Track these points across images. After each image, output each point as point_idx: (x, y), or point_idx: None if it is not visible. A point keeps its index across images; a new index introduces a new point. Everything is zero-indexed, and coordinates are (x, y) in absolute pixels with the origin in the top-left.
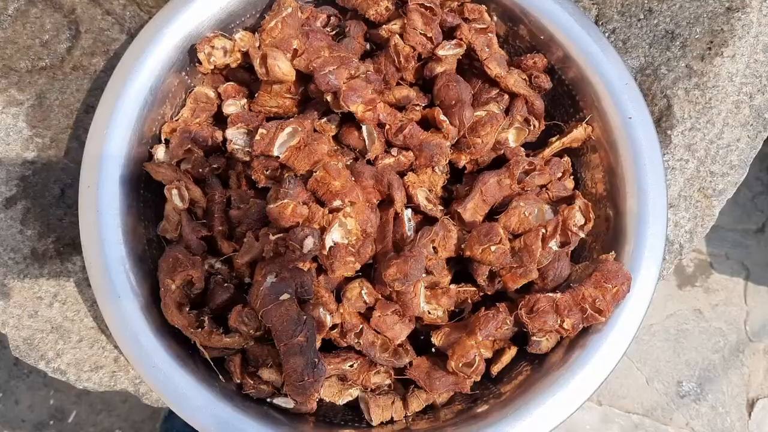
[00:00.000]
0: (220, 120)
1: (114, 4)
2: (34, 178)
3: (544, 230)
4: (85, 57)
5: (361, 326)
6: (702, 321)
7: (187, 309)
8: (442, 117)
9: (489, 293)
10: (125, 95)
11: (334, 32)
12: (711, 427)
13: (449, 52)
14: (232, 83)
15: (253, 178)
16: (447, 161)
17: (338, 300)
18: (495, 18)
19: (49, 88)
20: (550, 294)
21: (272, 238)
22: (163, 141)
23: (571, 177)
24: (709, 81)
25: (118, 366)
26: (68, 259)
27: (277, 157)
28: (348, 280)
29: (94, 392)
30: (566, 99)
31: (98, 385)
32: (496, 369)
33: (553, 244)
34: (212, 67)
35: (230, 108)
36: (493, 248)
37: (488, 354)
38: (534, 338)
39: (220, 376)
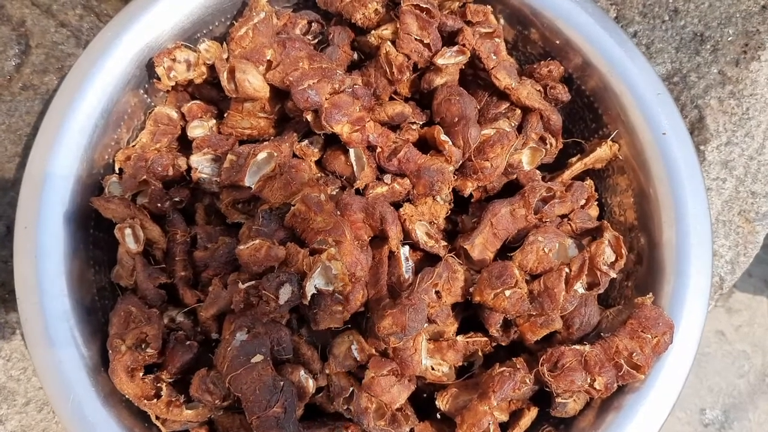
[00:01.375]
0: (185, 145)
1: (69, 14)
2: None
3: (567, 270)
4: (36, 75)
5: (351, 389)
6: (725, 344)
7: (141, 374)
8: (444, 137)
9: (503, 344)
10: (71, 118)
11: (315, 41)
12: None
13: (450, 60)
14: (197, 102)
15: (222, 212)
16: (450, 189)
17: (323, 358)
18: (502, 21)
19: None
20: (577, 347)
21: (242, 286)
22: (117, 171)
23: (596, 203)
24: (745, 89)
25: None
26: (14, 308)
27: (250, 187)
28: (335, 332)
29: None
30: (587, 112)
31: None
32: None
33: (579, 287)
34: (173, 83)
35: (196, 130)
36: (507, 293)
37: (503, 417)
38: (559, 399)
39: None
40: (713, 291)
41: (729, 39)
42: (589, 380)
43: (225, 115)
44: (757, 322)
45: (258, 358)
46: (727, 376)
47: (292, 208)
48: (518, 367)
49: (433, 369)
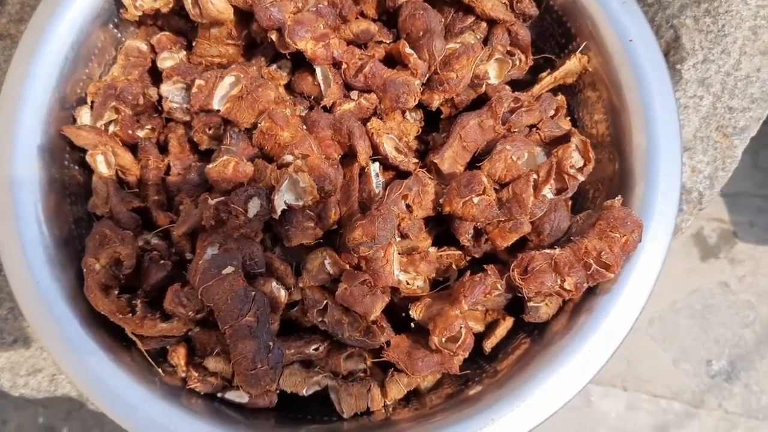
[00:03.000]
0: (157, 78)
1: None
2: None
3: (535, 176)
4: (12, 24)
5: (325, 302)
6: (729, 294)
7: (116, 292)
8: (409, 50)
9: (476, 256)
10: (41, 53)
11: None
12: (746, 408)
13: None
14: (166, 33)
15: (195, 140)
16: (417, 102)
17: (298, 273)
18: None
19: None
20: (547, 250)
21: (212, 202)
22: (89, 103)
23: (567, 118)
24: (720, 6)
25: (59, 368)
26: None
27: (218, 110)
28: (308, 249)
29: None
30: (557, 28)
31: (36, 392)
32: (489, 344)
33: (548, 191)
34: (140, 13)
35: (166, 62)
36: (475, 200)
37: (479, 327)
38: (531, 304)
39: (160, 370)
40: (692, 206)
41: None
42: (559, 281)
43: (194, 45)
44: (761, 272)
45: (229, 269)
46: (732, 327)
47: (259, 125)
48: (489, 273)
49: (407, 283)
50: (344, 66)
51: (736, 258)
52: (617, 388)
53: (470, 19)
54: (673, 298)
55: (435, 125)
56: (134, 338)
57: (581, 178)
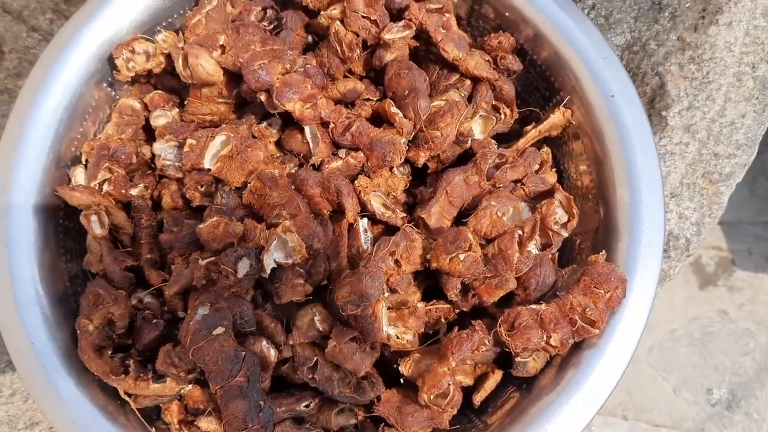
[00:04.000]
0: (151, 135)
1: (40, 19)
2: None
3: (520, 232)
4: (10, 79)
5: (315, 359)
6: (728, 322)
7: (110, 353)
8: (394, 109)
9: (465, 310)
10: (36, 114)
11: (271, 26)
12: None
13: (397, 35)
14: (159, 92)
15: (187, 197)
16: (403, 160)
17: (288, 330)
18: None
19: None
20: (533, 306)
21: (202, 263)
22: (84, 162)
23: (553, 170)
24: (704, 53)
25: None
26: None
27: (209, 169)
28: (299, 306)
29: None
30: (541, 82)
31: None
32: (478, 398)
33: (533, 247)
34: (133, 74)
35: (159, 119)
36: (462, 257)
37: (468, 381)
38: (519, 359)
39: (153, 429)
40: (680, 253)
41: (687, 5)
42: (545, 337)
43: (186, 103)
44: (760, 299)
45: (219, 330)
46: (732, 355)
47: (249, 185)
48: (477, 329)
49: (396, 337)
50: (332, 125)
51: (735, 286)
52: (618, 417)
53: (455, 77)
54: (672, 326)
55: (423, 177)
56: (127, 399)
57: (565, 234)
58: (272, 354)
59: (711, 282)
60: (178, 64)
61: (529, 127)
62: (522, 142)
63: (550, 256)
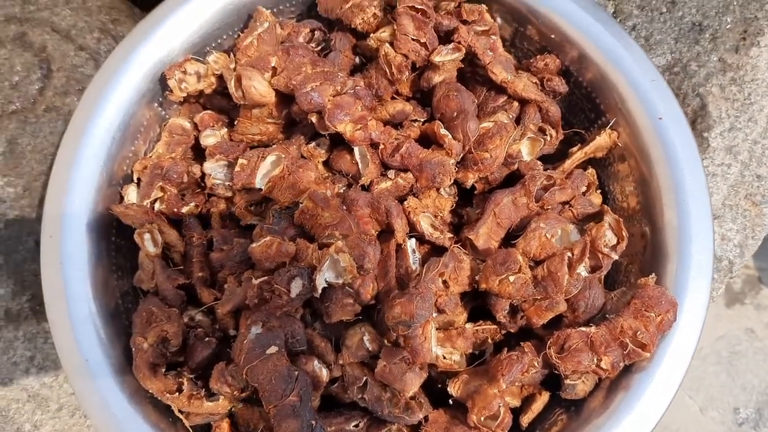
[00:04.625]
0: (199, 153)
1: (87, 38)
2: (5, 232)
3: (570, 254)
4: (58, 97)
5: (364, 378)
6: (755, 341)
7: (163, 370)
8: (443, 131)
9: (512, 331)
10: (90, 134)
11: (319, 47)
12: None
13: (446, 57)
14: (209, 112)
15: (236, 215)
16: (452, 181)
17: (337, 349)
18: (498, 20)
19: (21, 133)
20: (583, 328)
21: (256, 282)
22: (135, 180)
23: (598, 191)
24: (746, 74)
25: None
26: (45, 318)
27: (260, 189)
28: (347, 325)
29: None
30: (585, 103)
31: None
32: (526, 420)
33: (582, 270)
34: (185, 94)
35: (208, 139)
36: (512, 278)
37: (515, 402)
38: (568, 381)
39: None
40: (723, 275)
41: (727, 27)
42: (595, 360)
43: (235, 123)
44: None
45: (273, 349)
46: (759, 374)
47: (300, 205)
48: (526, 350)
49: (444, 357)
50: (381, 146)
51: (762, 304)
52: None
53: (502, 99)
54: (699, 344)
55: (468, 197)
56: (180, 416)
57: (615, 256)
58: (324, 374)
59: (738, 300)
60: (231, 86)
61: (575, 149)
62: (568, 164)
63: (598, 278)
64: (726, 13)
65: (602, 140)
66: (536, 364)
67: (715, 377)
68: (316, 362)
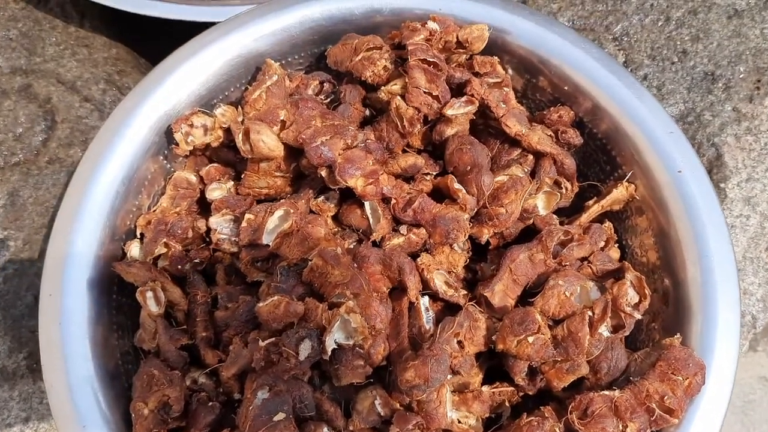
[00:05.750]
0: (205, 207)
1: (93, 89)
2: (4, 286)
3: (590, 313)
4: (61, 149)
5: None
6: None
7: None
8: (457, 185)
9: (530, 393)
10: (93, 187)
11: (328, 100)
12: None
13: (459, 110)
14: (215, 165)
15: (242, 271)
16: (467, 237)
17: (347, 414)
18: (510, 71)
19: (23, 185)
20: (607, 392)
21: (263, 344)
22: (138, 236)
23: (616, 245)
24: (761, 124)
25: None
26: (41, 377)
27: (267, 245)
28: (358, 388)
29: None
30: (601, 155)
31: None
32: None
33: (604, 330)
34: (191, 148)
35: (214, 192)
36: (530, 339)
37: None
38: None
39: None
40: (746, 330)
41: (741, 76)
42: (620, 427)
43: (242, 176)
44: None
45: (280, 416)
46: None
47: (310, 262)
48: (547, 416)
49: (459, 422)
50: (393, 201)
51: None
52: None
53: (516, 152)
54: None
55: (482, 251)
56: None
57: (638, 316)
58: None
59: (751, 347)
60: (239, 140)
61: (591, 202)
62: (584, 218)
63: (620, 338)
64: (738, 63)
65: (619, 193)
66: (557, 430)
67: (728, 428)
68: (325, 429)
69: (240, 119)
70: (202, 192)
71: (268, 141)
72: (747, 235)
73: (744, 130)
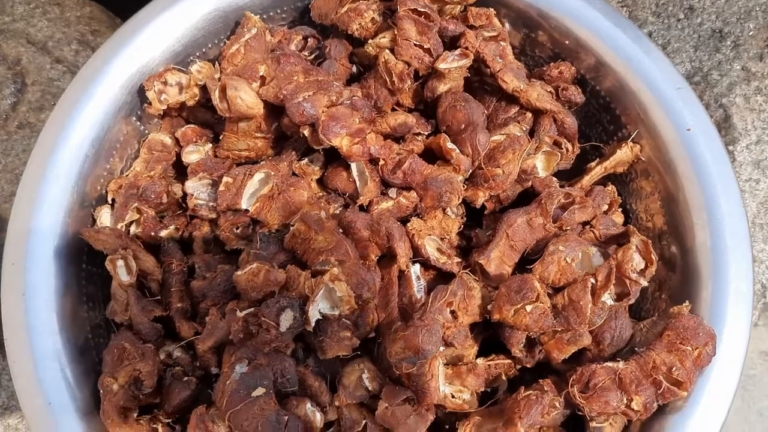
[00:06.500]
0: (181, 172)
1: (65, 50)
2: None
3: (593, 280)
4: (32, 113)
5: (364, 422)
6: None
7: (135, 414)
8: (451, 145)
9: (528, 366)
10: (60, 150)
11: (312, 56)
12: None
13: (453, 64)
14: (192, 126)
15: (221, 239)
16: (460, 200)
17: (333, 389)
18: (507, 25)
19: None
20: (610, 364)
21: (241, 314)
22: (110, 202)
23: (620, 210)
24: None
25: None
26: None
27: (247, 210)
28: (344, 361)
29: None
30: (603, 114)
31: None
32: None
33: (607, 298)
34: (165, 107)
35: (191, 156)
36: (528, 308)
37: None
38: (594, 424)
39: None
40: (755, 300)
41: (750, 33)
42: (625, 400)
43: (220, 138)
44: None
45: (259, 391)
46: None
47: (292, 228)
48: (546, 389)
49: (453, 397)
50: (382, 162)
51: None
52: None
53: (514, 110)
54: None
55: (477, 218)
56: None
57: (644, 282)
58: (318, 418)
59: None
60: (215, 97)
61: (593, 164)
62: (586, 180)
63: (625, 307)
64: (748, 19)
65: (623, 154)
66: (558, 404)
67: None
68: (308, 405)
69: (217, 76)
70: (178, 155)
71: (247, 98)
72: (757, 200)
73: (753, 90)
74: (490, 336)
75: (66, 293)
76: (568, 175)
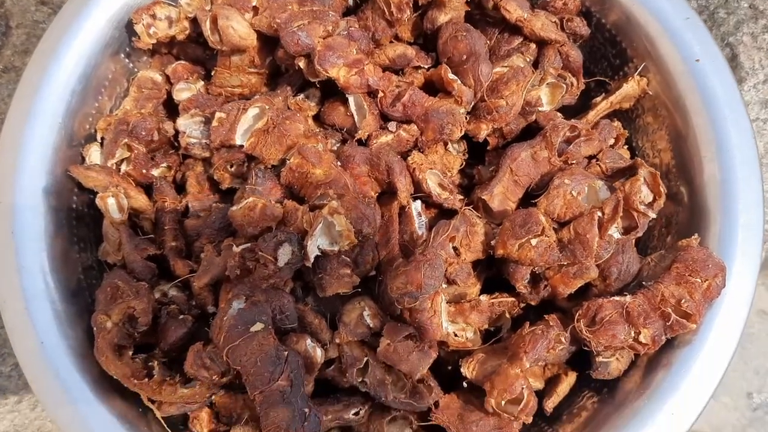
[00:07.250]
0: (173, 111)
1: None
2: None
3: (600, 213)
4: (17, 56)
5: (365, 359)
6: None
7: (131, 353)
8: (452, 76)
9: (533, 303)
10: (46, 87)
11: None
12: None
13: None
14: (182, 62)
15: (215, 178)
16: (463, 133)
17: (333, 326)
18: None
19: None
20: (617, 298)
21: (237, 249)
22: (99, 140)
23: (625, 146)
24: None
25: None
26: None
27: (242, 146)
28: (344, 299)
29: None
30: (609, 48)
31: None
32: (551, 404)
33: (615, 231)
34: (154, 41)
35: (182, 93)
36: (533, 242)
37: (538, 384)
38: (600, 359)
39: None
40: (764, 240)
41: None
42: (633, 334)
43: (212, 74)
44: None
45: (258, 326)
46: None
47: (288, 162)
48: (551, 324)
49: (456, 335)
50: (380, 94)
51: None
52: None
53: (517, 41)
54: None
55: (480, 155)
56: (151, 406)
57: (652, 215)
58: (318, 354)
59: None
60: (206, 28)
61: (599, 99)
62: (592, 115)
63: (632, 240)
64: None
65: (630, 88)
66: (563, 339)
67: None
68: (308, 341)
69: (207, 7)
70: (169, 93)
71: (239, 28)
72: (764, 139)
73: (761, 28)
74: (493, 275)
75: (56, 234)
76: (572, 113)
